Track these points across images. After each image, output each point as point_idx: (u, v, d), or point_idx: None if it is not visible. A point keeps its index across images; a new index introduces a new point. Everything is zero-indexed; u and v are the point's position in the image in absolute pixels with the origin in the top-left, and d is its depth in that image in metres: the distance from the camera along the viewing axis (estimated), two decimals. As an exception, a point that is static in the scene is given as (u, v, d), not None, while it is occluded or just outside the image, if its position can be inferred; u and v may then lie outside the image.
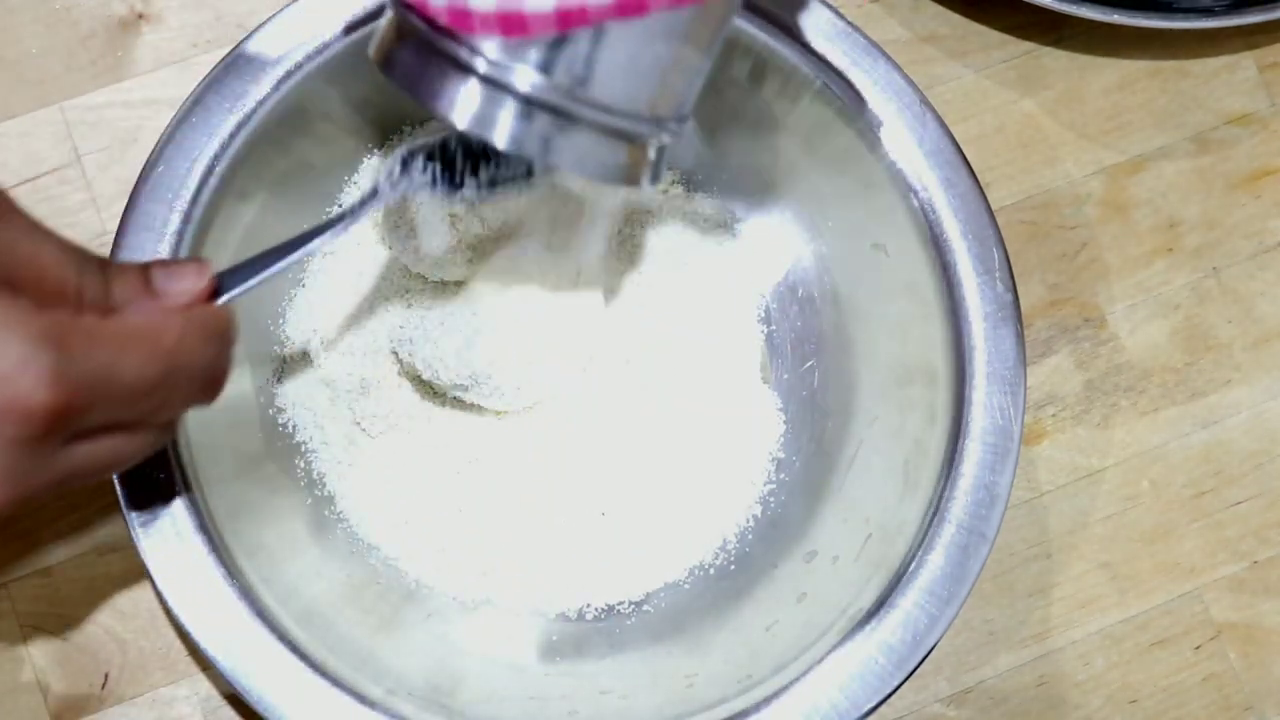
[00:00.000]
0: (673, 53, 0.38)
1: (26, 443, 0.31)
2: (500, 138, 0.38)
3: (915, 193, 0.48)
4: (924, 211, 0.48)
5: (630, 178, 0.40)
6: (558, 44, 0.37)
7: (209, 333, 0.36)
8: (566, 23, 0.36)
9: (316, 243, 0.41)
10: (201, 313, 0.37)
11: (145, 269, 0.37)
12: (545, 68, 0.37)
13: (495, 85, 0.37)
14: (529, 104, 0.37)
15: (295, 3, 0.47)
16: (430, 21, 0.37)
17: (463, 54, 0.37)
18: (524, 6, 0.36)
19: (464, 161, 0.42)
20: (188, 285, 0.37)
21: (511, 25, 0.36)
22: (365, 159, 0.53)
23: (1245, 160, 0.58)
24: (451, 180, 0.42)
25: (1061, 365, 0.56)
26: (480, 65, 0.37)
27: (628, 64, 0.38)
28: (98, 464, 0.34)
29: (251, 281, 0.40)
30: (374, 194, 0.42)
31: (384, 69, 0.39)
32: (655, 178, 0.41)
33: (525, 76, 0.37)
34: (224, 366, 0.37)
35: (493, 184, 0.42)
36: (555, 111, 0.38)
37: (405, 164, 0.42)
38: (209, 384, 0.37)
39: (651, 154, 0.40)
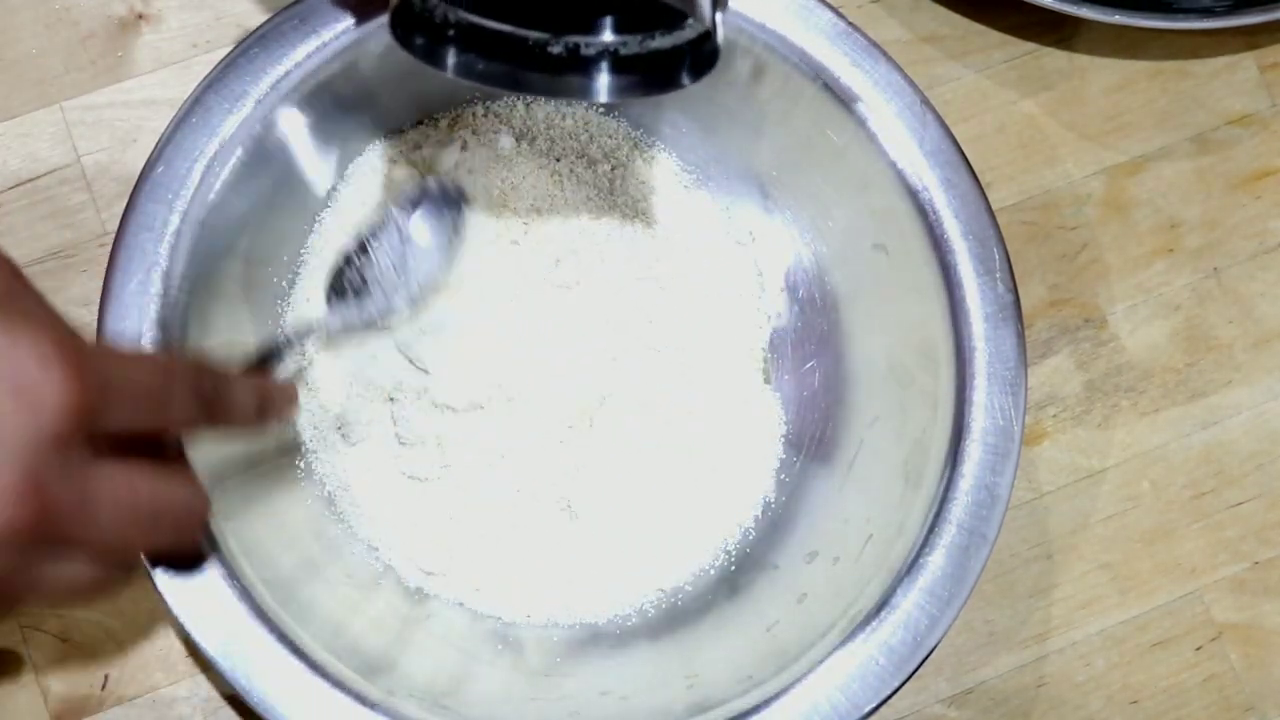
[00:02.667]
0: None
1: (52, 443, 0.32)
2: None
3: (916, 193, 0.48)
4: (924, 211, 0.48)
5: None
6: None
7: (213, 372, 0.39)
8: None
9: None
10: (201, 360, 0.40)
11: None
12: None
13: None
14: None
15: (295, 4, 0.47)
16: None
17: None
18: None
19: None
20: None
21: None
22: (357, 158, 0.53)
23: (1246, 161, 0.58)
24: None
25: (1062, 366, 0.56)
26: None
27: None
28: (62, 584, 0.35)
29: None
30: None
31: None
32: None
33: None
34: (227, 399, 0.40)
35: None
36: None
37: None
38: (215, 410, 0.39)
39: None
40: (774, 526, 0.52)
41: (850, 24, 0.48)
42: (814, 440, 0.53)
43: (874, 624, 0.45)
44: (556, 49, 0.44)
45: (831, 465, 0.51)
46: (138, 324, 0.45)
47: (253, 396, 0.42)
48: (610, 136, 0.54)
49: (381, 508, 0.51)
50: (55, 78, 0.55)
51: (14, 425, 0.31)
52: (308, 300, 0.52)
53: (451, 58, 0.44)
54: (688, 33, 0.43)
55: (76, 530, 0.34)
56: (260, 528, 0.47)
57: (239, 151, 0.47)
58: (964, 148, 0.48)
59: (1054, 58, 0.58)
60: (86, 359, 0.33)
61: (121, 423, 0.35)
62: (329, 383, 0.52)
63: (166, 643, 0.51)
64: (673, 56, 0.44)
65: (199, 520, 0.39)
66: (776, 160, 0.53)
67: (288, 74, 0.47)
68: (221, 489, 0.46)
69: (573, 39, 0.44)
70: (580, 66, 0.45)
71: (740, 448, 0.52)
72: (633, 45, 0.44)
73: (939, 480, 0.46)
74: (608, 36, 0.44)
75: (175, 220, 0.46)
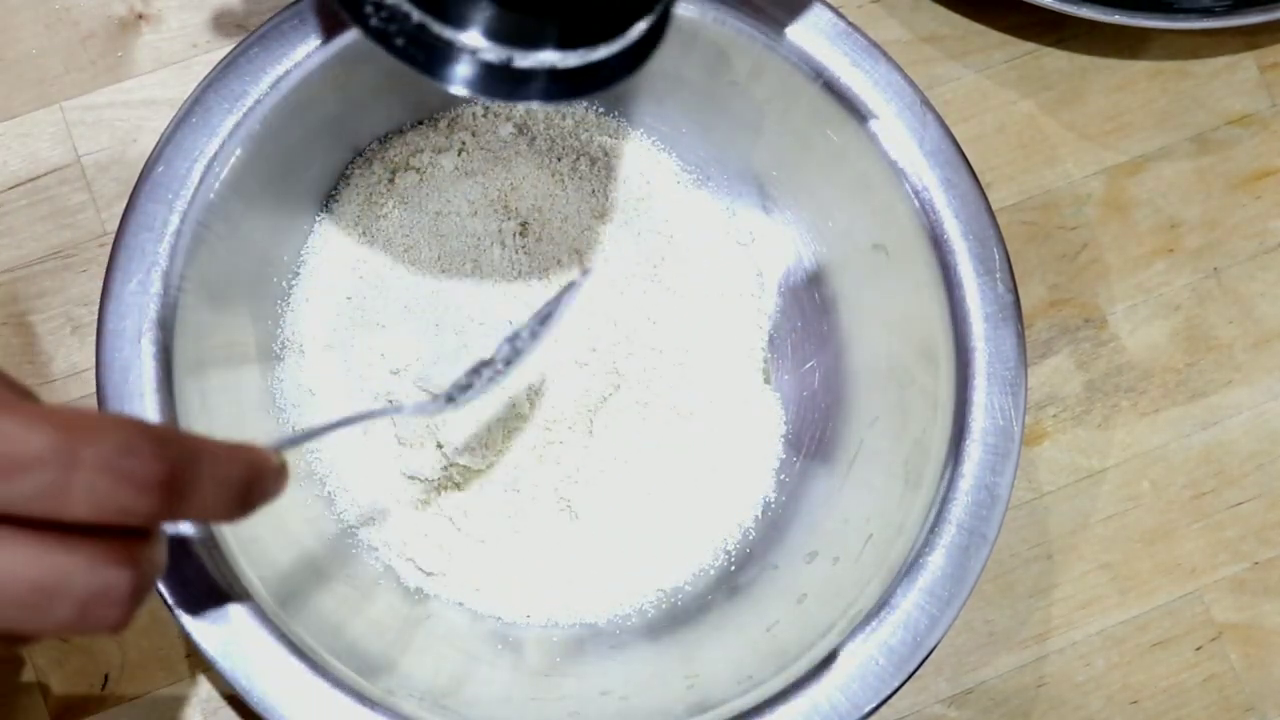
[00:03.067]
0: None
1: None
2: None
3: (916, 193, 0.48)
4: (924, 211, 0.48)
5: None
6: None
7: (132, 429, 0.30)
8: None
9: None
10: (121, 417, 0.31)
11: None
12: None
13: None
14: None
15: (295, 3, 0.47)
16: None
17: None
18: None
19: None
20: None
21: None
22: (357, 158, 0.53)
23: (1245, 161, 0.58)
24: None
25: (1062, 366, 0.56)
26: None
27: None
28: None
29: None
30: None
31: None
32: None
33: None
34: (192, 483, 0.31)
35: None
36: None
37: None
38: (173, 498, 0.30)
39: None
40: (774, 526, 0.52)
41: (850, 24, 0.48)
42: (814, 440, 0.53)
43: (874, 624, 0.45)
44: (490, 57, 0.40)
45: (831, 465, 0.51)
46: (138, 324, 0.45)
47: (237, 478, 0.33)
48: (610, 135, 0.54)
49: (381, 508, 0.51)
50: (55, 78, 0.55)
51: None
52: (307, 300, 0.52)
53: (373, 21, 0.40)
54: (634, 33, 0.40)
55: None
56: (260, 528, 0.47)
57: (239, 151, 0.47)
58: (964, 148, 0.48)
59: (1054, 58, 0.58)
60: None
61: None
62: (328, 384, 0.52)
63: (166, 643, 0.51)
64: (613, 58, 0.41)
65: (118, 608, 0.30)
66: (776, 160, 0.53)
67: (288, 74, 0.47)
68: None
69: (507, 51, 0.40)
70: (514, 74, 0.40)
71: (740, 448, 0.52)
72: (573, 59, 0.40)
73: (939, 480, 0.46)
74: (549, 54, 0.40)
75: (175, 220, 0.46)
